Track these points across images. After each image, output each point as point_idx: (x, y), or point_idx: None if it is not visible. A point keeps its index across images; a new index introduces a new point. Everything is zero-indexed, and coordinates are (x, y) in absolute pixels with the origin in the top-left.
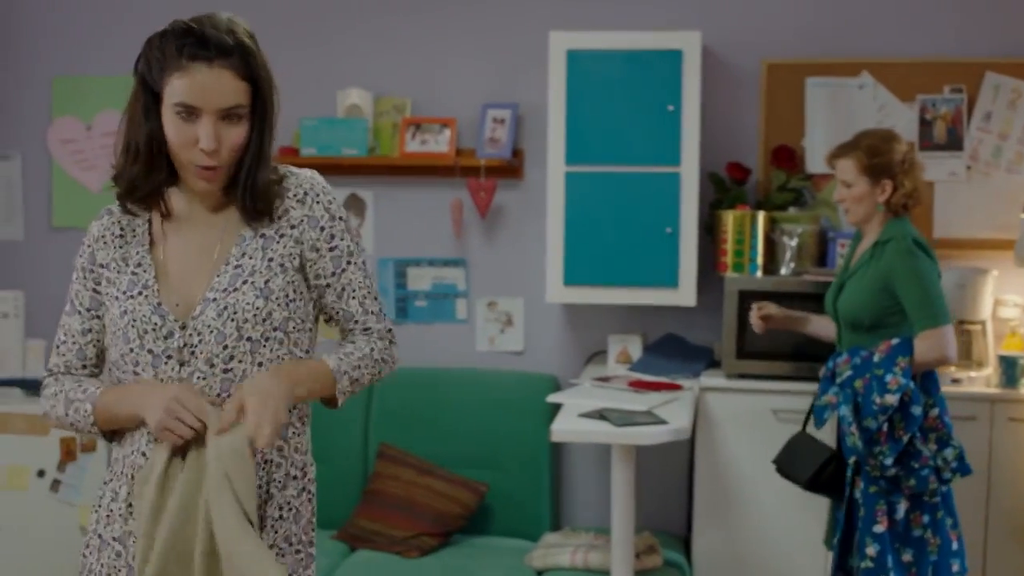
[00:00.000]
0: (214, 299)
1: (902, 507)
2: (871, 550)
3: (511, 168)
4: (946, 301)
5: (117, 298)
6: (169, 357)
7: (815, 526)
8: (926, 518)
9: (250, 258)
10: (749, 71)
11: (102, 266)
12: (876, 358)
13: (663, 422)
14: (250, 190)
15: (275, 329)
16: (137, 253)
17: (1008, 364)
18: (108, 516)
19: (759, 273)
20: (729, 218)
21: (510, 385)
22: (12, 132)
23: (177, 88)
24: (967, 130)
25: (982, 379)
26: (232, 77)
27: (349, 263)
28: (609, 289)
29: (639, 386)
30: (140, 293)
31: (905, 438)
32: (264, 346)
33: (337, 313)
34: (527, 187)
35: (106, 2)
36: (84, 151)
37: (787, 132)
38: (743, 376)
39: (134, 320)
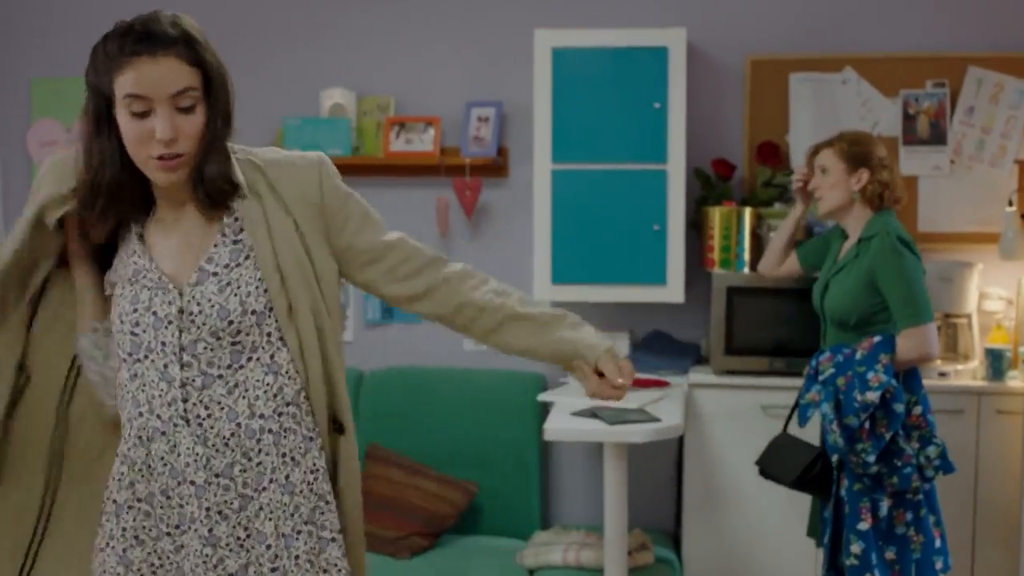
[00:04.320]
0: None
1: (885, 505)
2: (855, 547)
3: (496, 167)
4: (929, 298)
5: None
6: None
7: (803, 521)
8: (909, 515)
9: None
10: (733, 67)
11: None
12: (858, 355)
13: (656, 419)
14: (201, 181)
15: None
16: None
17: (994, 357)
18: (119, 480)
19: (746, 269)
20: (716, 214)
21: (498, 384)
22: None
23: (124, 83)
24: (950, 124)
25: (968, 372)
26: (178, 63)
27: None
28: (597, 287)
29: None
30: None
31: (887, 435)
32: None
33: None
34: (512, 185)
35: (84, 3)
36: None
37: (771, 128)
38: (731, 372)
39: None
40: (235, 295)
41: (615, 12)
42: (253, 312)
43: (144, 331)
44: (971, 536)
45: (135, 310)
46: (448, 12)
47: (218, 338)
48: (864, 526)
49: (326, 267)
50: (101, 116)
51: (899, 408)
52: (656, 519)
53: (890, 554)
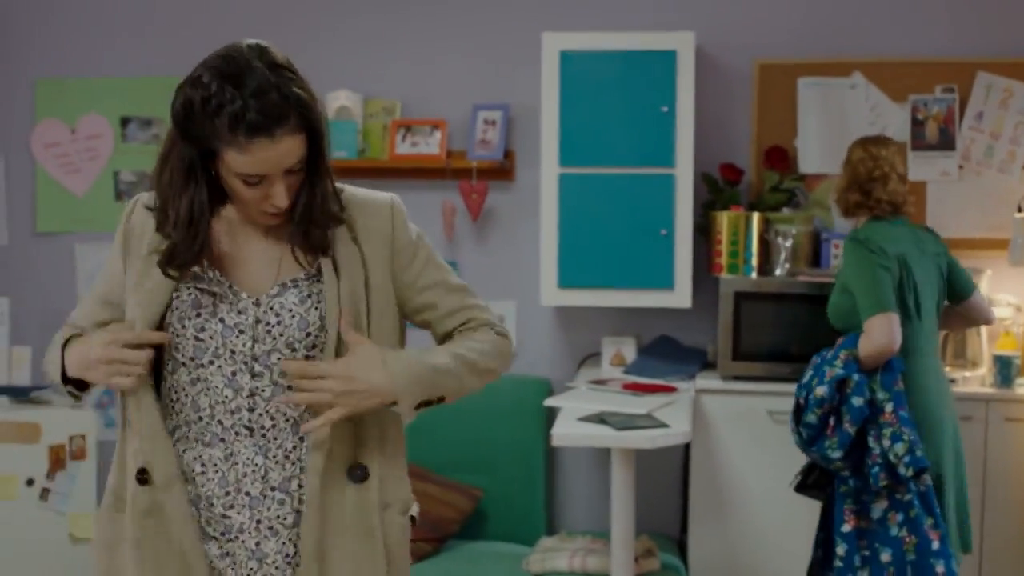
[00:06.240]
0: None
1: (878, 507)
2: (840, 550)
3: (503, 170)
4: (887, 290)
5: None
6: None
7: (810, 527)
8: (900, 516)
9: None
10: (741, 71)
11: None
12: (828, 355)
13: (664, 425)
14: (308, 220)
15: None
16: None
17: (1003, 364)
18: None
19: (754, 274)
20: (723, 219)
21: (503, 389)
22: None
23: (240, 162)
24: (959, 130)
25: (977, 379)
26: (293, 139)
27: None
28: (604, 291)
29: (634, 389)
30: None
31: (851, 430)
32: None
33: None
34: (519, 189)
35: (89, 3)
36: (68, 154)
37: (779, 132)
38: (738, 378)
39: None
40: (315, 308)
41: (623, 16)
42: (328, 331)
43: (211, 337)
44: (979, 542)
45: (198, 314)
46: (455, 15)
47: (293, 349)
48: (847, 528)
49: (383, 305)
50: (195, 166)
51: (857, 402)
52: (662, 525)
53: (886, 555)
